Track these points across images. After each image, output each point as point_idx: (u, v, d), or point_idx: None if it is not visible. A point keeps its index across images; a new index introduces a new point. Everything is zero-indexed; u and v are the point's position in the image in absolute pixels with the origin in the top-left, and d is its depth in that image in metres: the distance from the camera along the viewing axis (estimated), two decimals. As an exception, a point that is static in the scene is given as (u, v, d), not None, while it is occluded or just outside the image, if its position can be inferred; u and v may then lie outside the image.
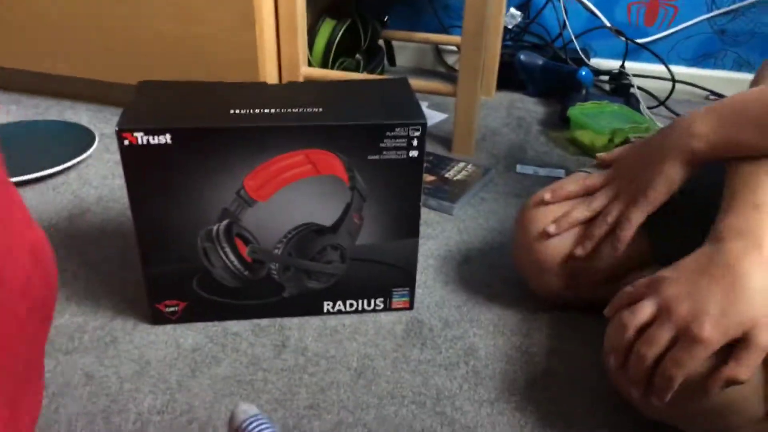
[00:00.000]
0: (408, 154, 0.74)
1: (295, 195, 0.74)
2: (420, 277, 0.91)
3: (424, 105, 1.52)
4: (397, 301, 0.84)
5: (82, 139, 1.23)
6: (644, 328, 0.60)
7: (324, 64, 1.44)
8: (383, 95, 0.79)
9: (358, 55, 1.53)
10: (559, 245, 0.77)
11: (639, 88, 1.55)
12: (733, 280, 0.57)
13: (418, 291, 0.88)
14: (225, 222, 0.74)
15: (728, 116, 0.69)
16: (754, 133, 0.66)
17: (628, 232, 0.73)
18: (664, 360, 0.58)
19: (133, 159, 0.69)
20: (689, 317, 0.57)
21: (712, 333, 0.56)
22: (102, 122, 1.36)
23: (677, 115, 1.48)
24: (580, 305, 0.83)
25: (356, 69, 1.53)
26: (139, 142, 0.68)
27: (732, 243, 0.60)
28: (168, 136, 0.68)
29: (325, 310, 0.83)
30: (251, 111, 0.71)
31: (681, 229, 0.78)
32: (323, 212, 0.76)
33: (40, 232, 0.54)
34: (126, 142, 0.68)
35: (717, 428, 0.64)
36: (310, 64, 1.39)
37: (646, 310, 0.61)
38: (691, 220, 0.78)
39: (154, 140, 0.68)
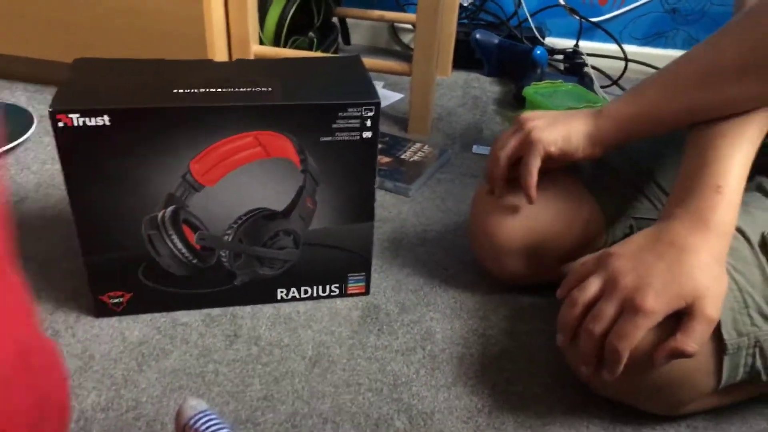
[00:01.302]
0: (361, 135, 0.71)
1: (244, 179, 0.71)
2: (376, 261, 0.89)
3: (379, 85, 1.50)
4: (353, 286, 0.82)
5: (20, 121, 1.17)
6: (593, 305, 0.61)
7: (276, 43, 1.40)
8: (335, 74, 0.76)
9: (311, 34, 1.49)
10: (517, 227, 0.76)
11: (593, 67, 1.55)
12: (677, 256, 0.58)
13: (374, 275, 0.86)
14: (171, 208, 0.71)
15: (633, 89, 0.70)
16: (655, 95, 0.67)
17: (529, 177, 0.72)
18: (610, 333, 0.58)
19: (69, 142, 0.65)
20: (633, 289, 0.57)
21: (655, 304, 0.56)
22: (41, 103, 1.29)
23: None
24: (539, 286, 0.83)
25: (309, 47, 1.49)
26: (75, 123, 0.64)
27: (681, 222, 0.60)
28: (106, 118, 0.64)
29: (279, 298, 0.80)
30: (196, 90, 0.68)
31: (628, 196, 0.79)
32: (275, 196, 0.73)
33: (48, 342, 0.46)
34: (61, 124, 0.64)
35: (668, 403, 0.65)
36: (261, 43, 1.35)
37: (593, 285, 0.61)
38: (638, 188, 0.80)
39: (91, 122, 0.64)
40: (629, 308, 0.57)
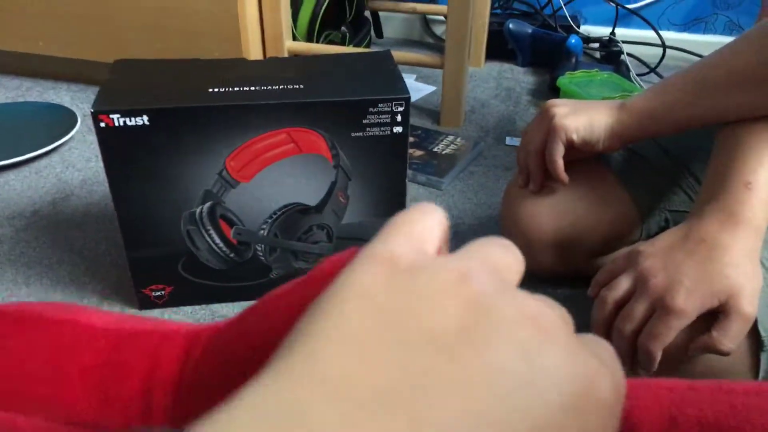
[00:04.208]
0: (392, 129, 0.72)
1: (278, 175, 0.73)
2: (409, 254, 0.90)
3: (411, 78, 1.50)
4: (386, 278, 0.83)
5: (65, 120, 1.21)
6: (623, 304, 0.60)
7: (309, 38, 1.41)
8: (366, 70, 0.77)
9: (343, 28, 1.50)
10: (548, 220, 0.76)
11: (629, 55, 1.52)
12: (708, 254, 0.57)
13: (408, 268, 0.87)
14: (208, 204, 0.73)
15: (657, 86, 0.70)
16: (678, 95, 0.67)
17: (554, 163, 0.73)
18: (641, 334, 0.58)
19: (110, 141, 0.68)
20: (663, 289, 0.56)
21: (686, 303, 0.55)
22: (84, 102, 1.33)
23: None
24: (572, 279, 0.83)
25: (342, 42, 1.50)
26: (116, 123, 0.66)
27: (711, 219, 0.59)
28: (145, 118, 0.67)
29: (314, 290, 0.82)
30: (230, 89, 0.69)
31: (662, 188, 0.78)
32: (308, 192, 0.74)
33: None
34: (102, 124, 0.66)
35: None
36: (294, 38, 1.37)
37: (623, 284, 0.60)
38: (673, 180, 0.79)
39: (131, 122, 0.66)
40: (660, 308, 0.56)
